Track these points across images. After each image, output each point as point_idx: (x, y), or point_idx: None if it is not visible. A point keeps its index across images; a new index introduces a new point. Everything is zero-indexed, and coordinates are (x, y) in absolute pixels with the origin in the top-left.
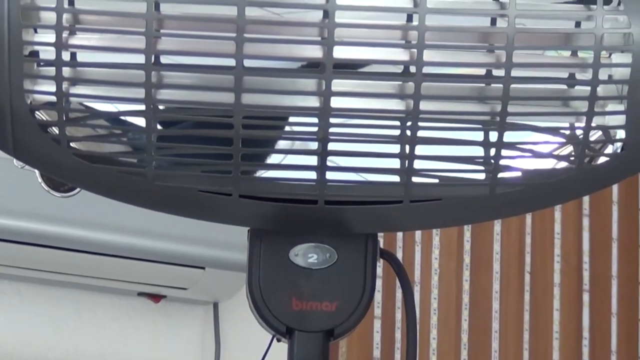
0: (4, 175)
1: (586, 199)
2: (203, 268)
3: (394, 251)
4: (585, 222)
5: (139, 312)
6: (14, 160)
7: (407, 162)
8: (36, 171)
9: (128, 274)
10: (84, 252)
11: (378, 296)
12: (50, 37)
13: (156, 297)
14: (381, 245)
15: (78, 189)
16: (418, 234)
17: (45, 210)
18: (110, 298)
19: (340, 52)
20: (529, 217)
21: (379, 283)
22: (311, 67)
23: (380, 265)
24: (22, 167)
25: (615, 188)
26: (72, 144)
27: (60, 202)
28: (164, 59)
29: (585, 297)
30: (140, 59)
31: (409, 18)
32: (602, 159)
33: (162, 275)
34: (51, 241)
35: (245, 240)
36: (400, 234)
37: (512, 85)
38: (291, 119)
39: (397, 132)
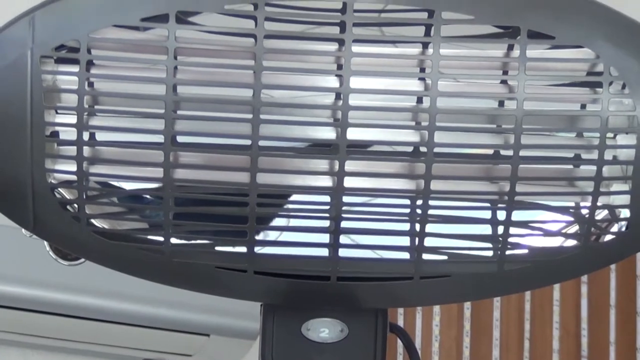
0: (12, 243)
1: None
2: (208, 335)
3: (395, 318)
4: (584, 289)
5: None
6: (22, 229)
7: (417, 239)
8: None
9: (133, 340)
10: (90, 320)
11: None
12: (72, 118)
13: None
14: None
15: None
16: None
17: (52, 278)
18: None
19: (353, 134)
20: None
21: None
22: (322, 146)
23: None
24: (30, 236)
25: None
26: (91, 221)
27: (67, 270)
28: (181, 138)
29: None
30: (158, 138)
31: (419, 100)
32: (607, 237)
33: (167, 342)
34: (58, 309)
35: (249, 308)
36: None
37: (520, 166)
38: (304, 198)
39: (407, 211)
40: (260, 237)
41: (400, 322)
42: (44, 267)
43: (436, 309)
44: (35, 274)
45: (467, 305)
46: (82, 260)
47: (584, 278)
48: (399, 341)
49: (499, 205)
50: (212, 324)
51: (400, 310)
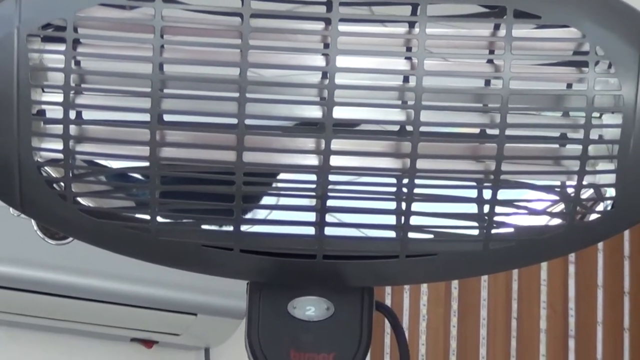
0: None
1: None
2: (195, 314)
3: (382, 297)
4: (571, 269)
5: (132, 357)
6: (10, 208)
7: (403, 218)
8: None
9: (121, 320)
10: (78, 299)
11: None
12: (58, 96)
13: (149, 343)
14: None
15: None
16: None
17: (40, 257)
18: (104, 344)
19: (339, 112)
20: None
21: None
22: (309, 125)
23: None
24: (18, 215)
25: None
26: (77, 200)
27: (55, 249)
28: (167, 117)
29: (571, 343)
30: (144, 117)
31: (406, 79)
32: (592, 216)
33: (154, 322)
34: (46, 288)
35: (236, 287)
36: None
37: (506, 145)
38: (291, 176)
39: (393, 189)
40: (246, 215)
41: (388, 301)
42: (31, 246)
43: (424, 288)
44: (23, 253)
45: (455, 284)
46: (70, 239)
47: (572, 258)
48: (386, 320)
49: (485, 184)
50: (199, 303)
51: (388, 290)
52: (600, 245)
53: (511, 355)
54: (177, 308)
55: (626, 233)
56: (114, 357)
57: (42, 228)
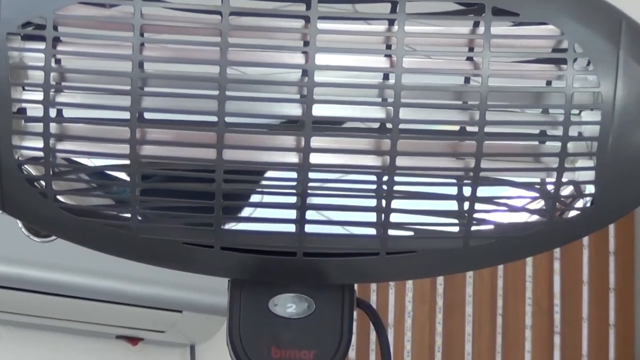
0: None
1: None
2: (180, 312)
3: (368, 294)
4: (557, 265)
5: (117, 354)
6: None
7: (383, 215)
8: None
9: (106, 317)
10: (63, 297)
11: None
12: (38, 94)
13: (134, 340)
14: (355, 287)
15: None
16: None
17: (25, 255)
18: (89, 341)
19: (319, 110)
20: None
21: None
22: (290, 123)
23: (355, 309)
24: (2, 213)
25: None
26: (58, 198)
27: (39, 246)
28: (148, 115)
29: (557, 340)
30: (125, 115)
31: (386, 77)
32: (572, 213)
33: (139, 319)
34: (31, 285)
35: (221, 285)
36: None
37: (485, 142)
38: (271, 174)
39: (373, 187)
40: (227, 213)
41: (373, 298)
42: (16, 244)
43: (409, 285)
44: (8, 251)
45: (440, 281)
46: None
47: (557, 254)
48: (372, 357)
49: (465, 181)
50: (184, 300)
51: (373, 287)
52: (585, 241)
53: (497, 351)
54: (162, 305)
55: (611, 229)
56: (99, 355)
57: (26, 226)
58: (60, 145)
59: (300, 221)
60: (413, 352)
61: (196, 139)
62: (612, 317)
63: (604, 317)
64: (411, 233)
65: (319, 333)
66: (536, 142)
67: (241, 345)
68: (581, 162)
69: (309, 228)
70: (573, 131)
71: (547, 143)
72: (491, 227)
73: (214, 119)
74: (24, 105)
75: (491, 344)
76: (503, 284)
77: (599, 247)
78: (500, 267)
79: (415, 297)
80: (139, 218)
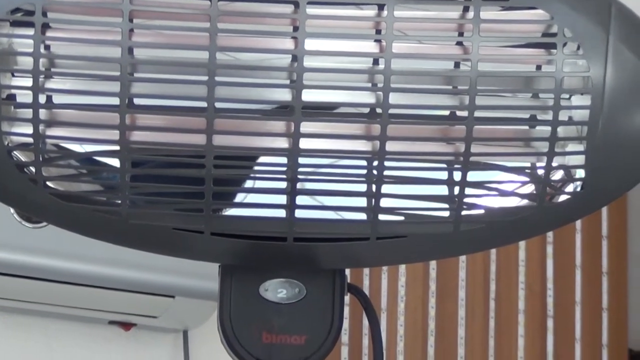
0: None
1: None
2: (173, 297)
3: (360, 279)
4: (549, 249)
5: (110, 340)
6: None
7: (373, 200)
8: None
9: (98, 302)
10: (55, 282)
11: (345, 323)
12: (28, 81)
13: (127, 325)
14: (348, 272)
15: None
16: None
17: (16, 240)
18: (81, 326)
19: (309, 95)
20: None
21: (345, 310)
22: (280, 109)
23: (347, 294)
24: None
25: None
26: (48, 184)
27: (31, 232)
28: (137, 101)
29: (550, 323)
30: (115, 101)
31: (375, 62)
32: (563, 197)
33: (132, 304)
34: (22, 271)
35: (214, 270)
36: None
37: (475, 127)
38: (261, 159)
39: (364, 172)
40: (217, 198)
41: (366, 283)
42: (8, 229)
43: (402, 269)
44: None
45: (433, 265)
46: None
47: (550, 238)
48: (365, 342)
49: (455, 165)
50: (177, 285)
51: (366, 271)
52: (578, 225)
53: (490, 335)
54: (155, 290)
55: (604, 213)
56: (91, 340)
57: (18, 212)
58: (50, 132)
59: (291, 206)
60: (406, 336)
61: (186, 125)
62: (605, 300)
63: (596, 300)
64: (401, 218)
65: (310, 318)
66: (526, 127)
67: (232, 330)
68: (571, 147)
69: (299, 213)
70: (563, 115)
71: (537, 127)
72: (481, 211)
73: (204, 104)
74: (13, 91)
75: (484, 328)
76: (496, 268)
77: (592, 231)
78: (493, 252)
79: (408, 282)
80: (129, 204)
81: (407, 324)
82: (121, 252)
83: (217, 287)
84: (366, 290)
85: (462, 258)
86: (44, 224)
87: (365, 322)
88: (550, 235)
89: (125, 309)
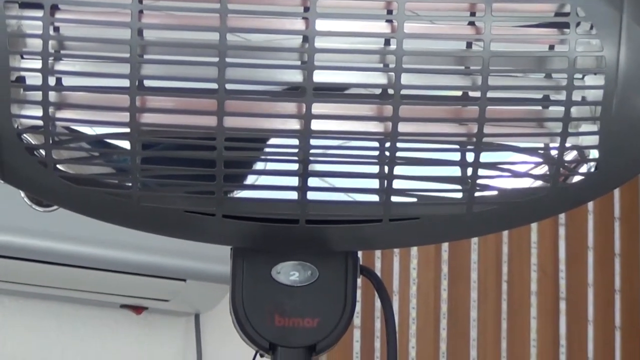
0: None
1: None
2: (184, 280)
3: (372, 262)
4: (562, 231)
5: (121, 323)
6: None
7: (386, 182)
8: None
9: (110, 286)
10: (66, 266)
11: (357, 306)
12: (37, 63)
13: (138, 309)
14: (360, 255)
15: None
16: None
17: (28, 224)
18: (93, 310)
19: (320, 76)
20: None
21: (357, 293)
22: (291, 90)
23: (359, 276)
24: (2, 182)
25: None
26: (58, 167)
27: (42, 216)
28: (148, 83)
29: (562, 305)
30: (125, 83)
31: (387, 42)
32: (576, 178)
33: (143, 288)
34: (34, 255)
35: (225, 253)
36: None
37: (488, 107)
38: (272, 141)
39: (376, 153)
40: (228, 181)
41: (378, 266)
42: (19, 213)
43: (414, 251)
44: (10, 221)
45: (445, 247)
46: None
47: (562, 220)
48: (377, 324)
49: (468, 146)
50: (188, 268)
51: (378, 254)
52: (590, 206)
53: (502, 317)
54: (166, 274)
55: (616, 194)
56: (103, 324)
57: (29, 195)
58: (60, 114)
59: (303, 188)
60: (418, 318)
61: (197, 107)
62: (618, 282)
63: (609, 282)
64: (414, 199)
65: (322, 301)
66: (539, 107)
67: (244, 313)
68: (585, 127)
69: (311, 195)
70: (576, 96)
71: (551, 108)
72: (495, 192)
73: (215, 86)
74: (22, 73)
75: (496, 310)
76: (508, 250)
77: (604, 213)
78: (505, 234)
79: (420, 264)
80: (140, 186)
81: (419, 306)
82: (132, 235)
83: (229, 270)
84: (378, 273)
85: (474, 240)
86: (54, 207)
87: (377, 304)
88: (562, 217)
89: (137, 292)
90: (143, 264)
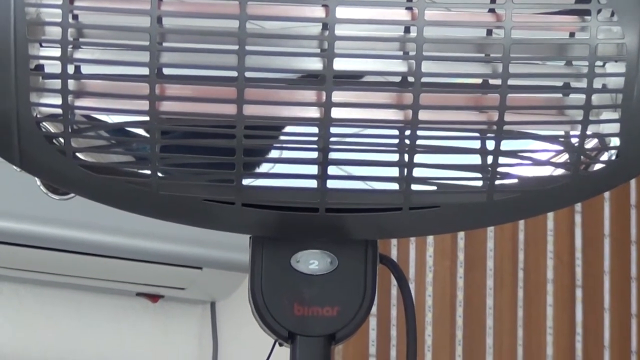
0: (2, 178)
1: None
2: (200, 268)
3: (388, 250)
4: (578, 218)
5: (137, 312)
6: None
7: (406, 170)
8: None
9: (126, 274)
10: (82, 254)
11: None
12: (56, 51)
13: (154, 297)
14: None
15: None
16: None
17: (44, 212)
18: (109, 298)
19: (340, 64)
20: None
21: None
22: (310, 78)
23: (378, 265)
24: (21, 171)
25: None
26: (77, 155)
27: (58, 204)
28: (167, 71)
29: (578, 293)
30: (144, 71)
31: (407, 30)
32: (597, 166)
33: (160, 276)
34: (50, 243)
35: (241, 241)
36: None
37: (509, 95)
38: (292, 129)
39: (396, 141)
40: (248, 169)
41: (394, 254)
42: (35, 201)
43: (429, 240)
44: (26, 209)
45: (461, 235)
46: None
47: (578, 207)
48: (393, 312)
49: (488, 134)
50: (204, 256)
51: (394, 242)
52: (606, 194)
53: (518, 305)
54: (182, 262)
55: (633, 182)
56: (119, 312)
57: (45, 183)
58: (79, 102)
59: (322, 176)
60: (434, 306)
61: (216, 95)
62: (634, 270)
63: (625, 270)
64: (434, 188)
65: (342, 289)
66: (560, 95)
67: (264, 302)
68: (606, 115)
69: (330, 183)
70: (597, 83)
71: (571, 95)
72: (515, 181)
73: (234, 74)
74: (41, 62)
75: (512, 298)
76: (524, 237)
77: (621, 200)
78: (521, 221)
79: (436, 252)
80: (159, 175)
81: (435, 294)
82: (148, 223)
83: (245, 258)
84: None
85: (490, 228)
86: (71, 195)
87: (394, 292)
88: (578, 204)
89: (153, 280)
90: (159, 251)
